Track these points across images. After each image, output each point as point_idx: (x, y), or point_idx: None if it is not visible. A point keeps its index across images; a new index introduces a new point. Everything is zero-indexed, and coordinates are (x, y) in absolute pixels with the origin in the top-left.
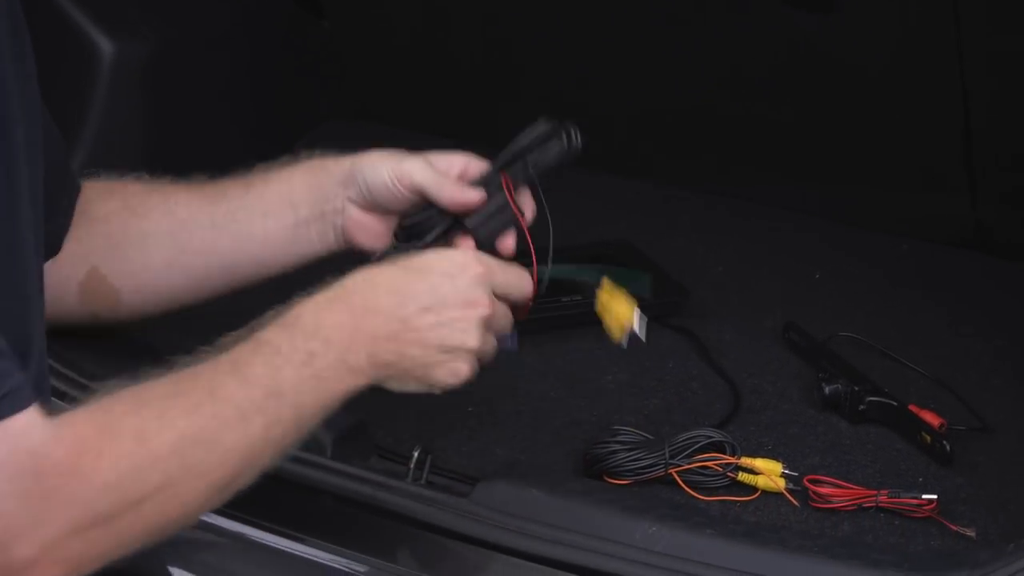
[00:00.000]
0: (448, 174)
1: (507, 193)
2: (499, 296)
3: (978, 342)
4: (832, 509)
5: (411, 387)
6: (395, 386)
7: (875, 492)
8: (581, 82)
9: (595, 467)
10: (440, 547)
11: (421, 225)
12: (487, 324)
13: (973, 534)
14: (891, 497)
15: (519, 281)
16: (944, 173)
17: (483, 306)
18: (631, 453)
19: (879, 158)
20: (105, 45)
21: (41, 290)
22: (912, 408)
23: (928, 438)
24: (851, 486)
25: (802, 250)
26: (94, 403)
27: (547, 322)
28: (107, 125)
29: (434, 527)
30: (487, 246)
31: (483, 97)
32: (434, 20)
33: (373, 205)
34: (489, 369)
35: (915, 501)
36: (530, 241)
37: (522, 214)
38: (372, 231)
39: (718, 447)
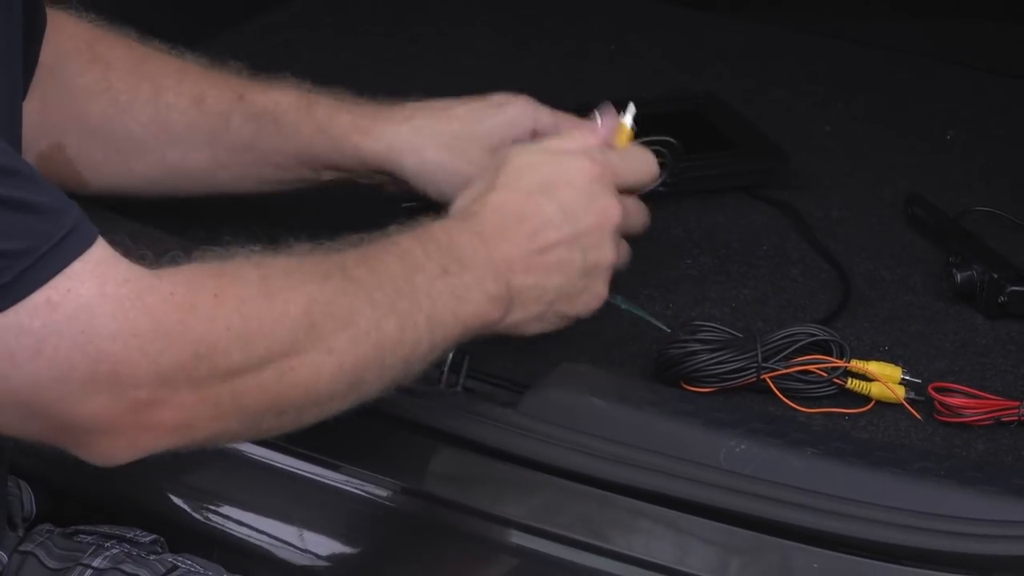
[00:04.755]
0: None
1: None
2: (625, 190)
3: None
4: (964, 424)
5: (549, 325)
6: (534, 328)
7: (1017, 403)
8: None
9: (671, 371)
10: (480, 467)
11: None
12: (620, 231)
13: None
14: None
15: (643, 166)
16: None
17: (615, 213)
18: (715, 354)
19: None
20: None
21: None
22: None
23: None
24: (988, 395)
25: (930, 104)
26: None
27: None
28: None
29: (473, 443)
30: None
31: None
32: None
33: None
34: None
35: None
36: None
37: None
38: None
39: (823, 347)
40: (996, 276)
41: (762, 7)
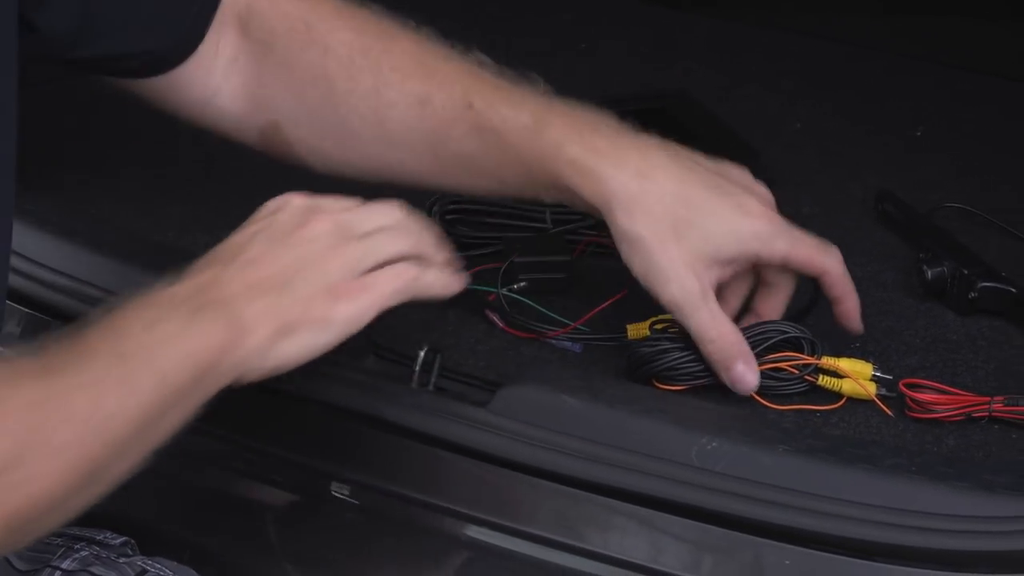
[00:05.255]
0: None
1: None
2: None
3: None
4: (935, 420)
5: (323, 333)
6: (296, 343)
7: (988, 399)
8: None
9: (641, 369)
10: (451, 467)
11: None
12: (345, 227)
13: None
14: (1008, 405)
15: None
16: None
17: (324, 216)
18: (686, 353)
19: None
20: None
21: None
22: None
23: None
24: (958, 392)
25: (900, 101)
26: None
27: None
28: None
29: (444, 442)
30: None
31: None
32: None
33: None
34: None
35: None
36: None
37: None
38: None
39: (794, 344)
40: (967, 272)
41: (732, 4)
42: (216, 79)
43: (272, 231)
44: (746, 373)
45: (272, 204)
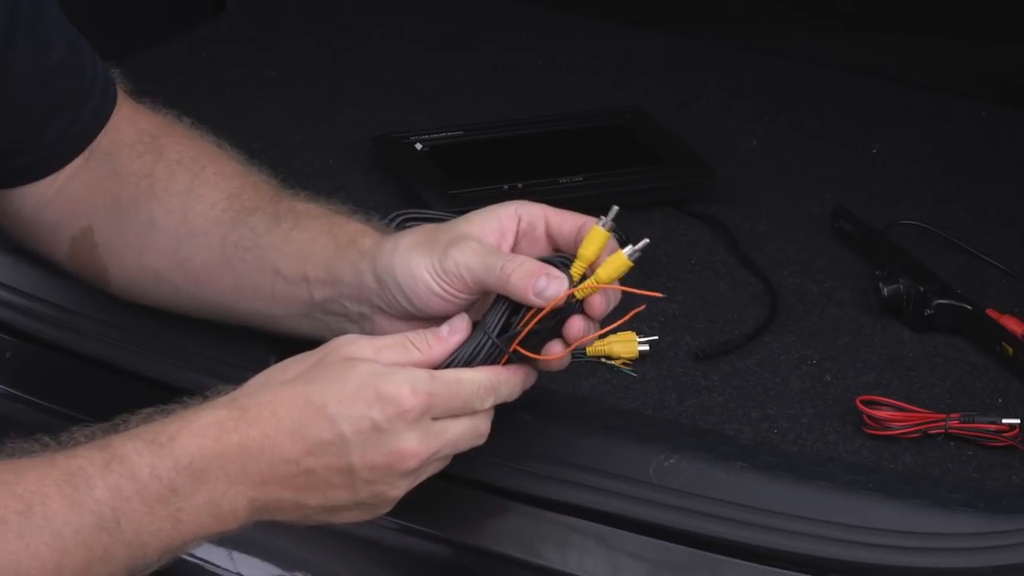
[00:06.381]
0: (504, 243)
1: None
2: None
3: None
4: (891, 437)
5: (310, 522)
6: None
7: (944, 416)
8: None
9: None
10: None
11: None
12: (422, 467)
13: None
14: (964, 422)
15: (472, 398)
16: None
17: (413, 455)
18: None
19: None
20: None
21: None
22: (991, 313)
23: (1010, 349)
24: (915, 409)
25: (856, 118)
26: None
27: None
28: None
29: None
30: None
31: None
32: None
33: (415, 314)
34: None
35: (993, 427)
36: None
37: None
38: None
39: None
40: (922, 289)
41: (690, 22)
42: (51, 192)
43: (353, 460)
44: (551, 282)
45: (398, 409)
